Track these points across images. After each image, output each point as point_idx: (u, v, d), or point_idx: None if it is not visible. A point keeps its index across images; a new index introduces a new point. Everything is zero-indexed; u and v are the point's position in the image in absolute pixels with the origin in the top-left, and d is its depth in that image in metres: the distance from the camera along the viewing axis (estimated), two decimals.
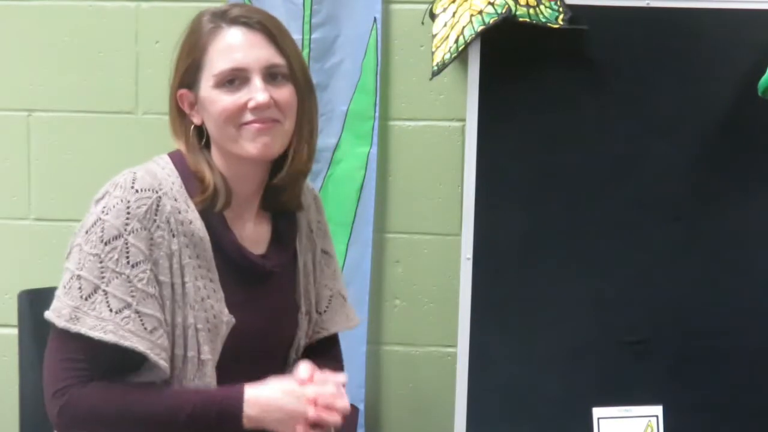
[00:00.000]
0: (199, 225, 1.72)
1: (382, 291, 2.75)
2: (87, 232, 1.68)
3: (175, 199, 1.70)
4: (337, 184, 2.69)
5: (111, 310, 1.65)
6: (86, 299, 1.66)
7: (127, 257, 1.66)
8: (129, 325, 1.66)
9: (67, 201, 2.80)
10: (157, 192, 1.69)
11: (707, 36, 2.47)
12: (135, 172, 1.71)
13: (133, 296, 1.66)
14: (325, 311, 1.94)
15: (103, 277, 1.66)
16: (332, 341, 1.98)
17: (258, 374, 1.80)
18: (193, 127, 1.76)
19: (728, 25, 2.45)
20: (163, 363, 1.69)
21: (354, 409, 2.64)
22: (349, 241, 2.69)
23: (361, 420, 2.67)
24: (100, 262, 1.66)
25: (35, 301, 2.15)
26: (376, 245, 2.71)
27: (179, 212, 1.70)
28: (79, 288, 1.66)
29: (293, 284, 1.88)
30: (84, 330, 1.65)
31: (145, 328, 1.67)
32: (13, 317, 2.18)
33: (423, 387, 2.76)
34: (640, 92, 2.49)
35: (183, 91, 1.75)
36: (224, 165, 1.76)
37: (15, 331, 2.17)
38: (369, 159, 2.68)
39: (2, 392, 2.74)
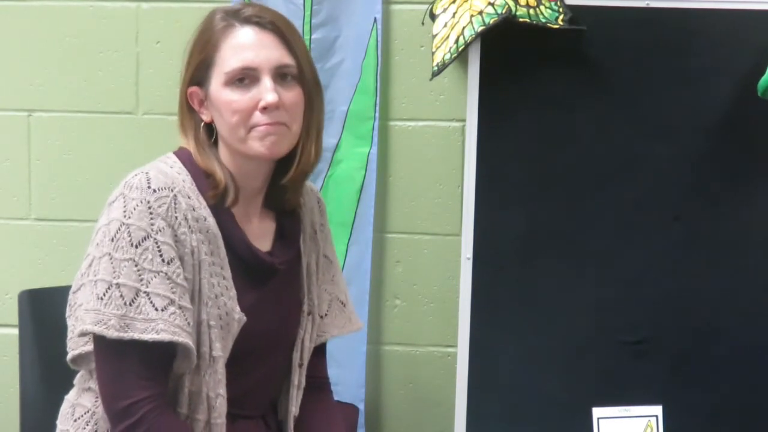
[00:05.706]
0: (212, 222, 1.73)
1: (382, 291, 2.75)
2: (113, 240, 1.66)
3: (189, 197, 1.71)
4: (337, 185, 2.69)
5: (156, 309, 1.65)
6: (130, 305, 1.65)
7: (161, 255, 1.66)
8: (176, 320, 1.66)
9: (67, 201, 2.80)
10: (172, 190, 1.70)
11: (707, 36, 2.47)
12: (147, 173, 1.71)
13: (174, 292, 1.67)
14: (326, 315, 1.96)
15: (141, 280, 1.65)
16: (320, 350, 1.98)
17: (265, 372, 1.84)
18: (203, 124, 1.77)
19: (728, 25, 2.45)
20: (196, 358, 1.71)
21: (354, 409, 2.64)
22: (349, 241, 2.69)
23: (361, 420, 2.67)
24: (136, 266, 1.65)
25: (35, 301, 2.16)
26: (376, 245, 2.71)
27: (193, 209, 1.71)
28: (121, 296, 1.65)
29: (297, 283, 1.89)
30: (137, 335, 1.64)
31: (189, 323, 1.68)
32: (14, 317, 2.19)
33: (423, 387, 2.76)
34: (639, 92, 2.49)
35: (193, 88, 1.76)
36: (232, 162, 1.77)
37: (15, 331, 2.17)
38: (369, 159, 2.68)
39: (2, 392, 2.74)
